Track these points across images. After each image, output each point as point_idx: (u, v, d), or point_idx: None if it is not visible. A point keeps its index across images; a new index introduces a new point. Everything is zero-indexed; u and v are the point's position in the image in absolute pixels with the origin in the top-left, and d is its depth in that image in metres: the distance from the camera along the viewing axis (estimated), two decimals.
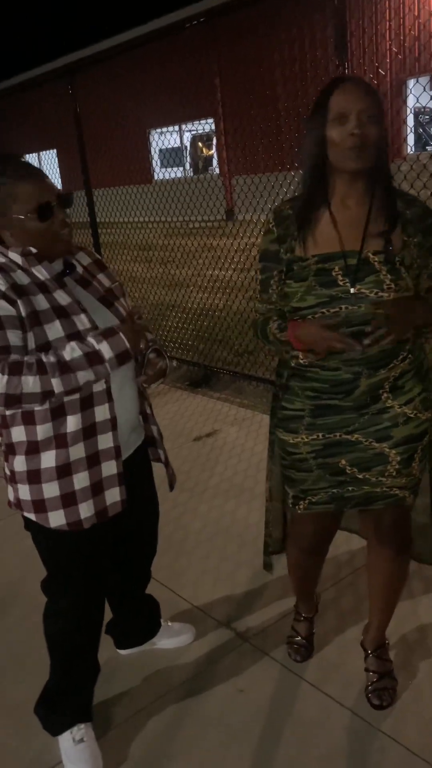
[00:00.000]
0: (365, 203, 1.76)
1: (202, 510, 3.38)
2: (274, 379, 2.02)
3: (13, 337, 1.64)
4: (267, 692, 2.21)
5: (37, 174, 1.74)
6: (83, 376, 1.66)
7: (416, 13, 10.91)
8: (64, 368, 1.63)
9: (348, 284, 1.72)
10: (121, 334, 1.72)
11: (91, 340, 1.69)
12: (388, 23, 11.62)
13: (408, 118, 12.42)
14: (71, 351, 1.66)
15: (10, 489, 1.86)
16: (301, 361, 1.80)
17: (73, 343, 1.67)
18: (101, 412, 1.78)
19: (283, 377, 1.93)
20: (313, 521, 2.05)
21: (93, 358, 1.67)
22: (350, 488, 1.92)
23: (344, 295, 1.72)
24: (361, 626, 2.35)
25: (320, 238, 1.77)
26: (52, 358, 1.63)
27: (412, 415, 1.85)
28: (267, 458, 2.15)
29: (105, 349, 1.69)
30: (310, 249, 1.77)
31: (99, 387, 1.76)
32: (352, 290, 1.71)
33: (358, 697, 2.15)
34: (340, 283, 1.73)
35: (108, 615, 2.32)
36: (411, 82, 12.47)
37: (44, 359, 1.62)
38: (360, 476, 1.90)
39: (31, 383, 1.60)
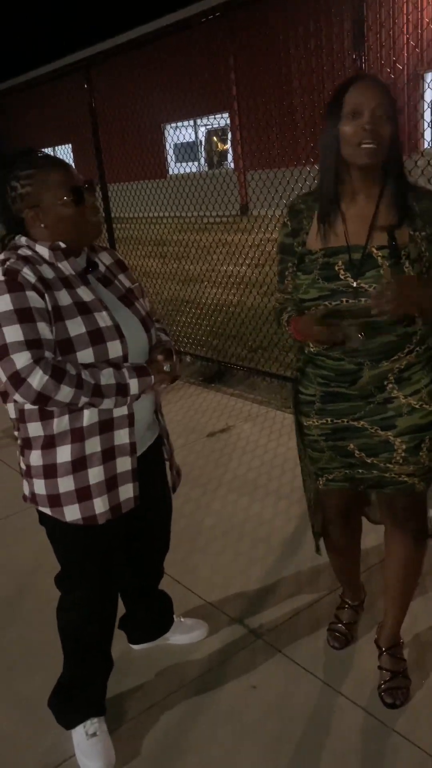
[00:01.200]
0: (374, 198, 1.79)
1: (216, 506, 3.38)
2: (287, 375, 2.04)
3: (44, 330, 1.66)
4: (279, 689, 2.21)
5: (63, 162, 1.77)
6: (107, 402, 1.73)
7: None
8: (96, 391, 1.69)
9: (350, 278, 1.76)
10: (152, 376, 1.79)
11: (125, 372, 1.74)
12: (405, 17, 11.52)
13: (425, 112, 12.33)
14: (107, 377, 1.71)
15: (25, 483, 1.86)
16: (311, 350, 1.89)
17: (111, 370, 1.72)
18: (119, 408, 1.79)
19: (301, 363, 2.00)
20: (335, 495, 2.11)
21: (121, 390, 1.73)
22: (360, 471, 1.98)
23: (345, 288, 1.77)
24: (375, 625, 2.34)
25: (328, 233, 1.82)
26: (90, 380, 1.68)
27: (417, 406, 1.88)
28: (296, 440, 2.15)
29: (133, 386, 1.75)
30: (319, 243, 1.83)
31: None
32: (353, 284, 1.75)
33: (371, 695, 2.14)
34: (342, 277, 1.77)
35: (121, 610, 2.33)
36: (429, 76, 12.37)
37: (83, 377, 1.67)
38: (368, 461, 1.95)
39: (65, 393, 1.65)
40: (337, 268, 1.78)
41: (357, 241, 1.78)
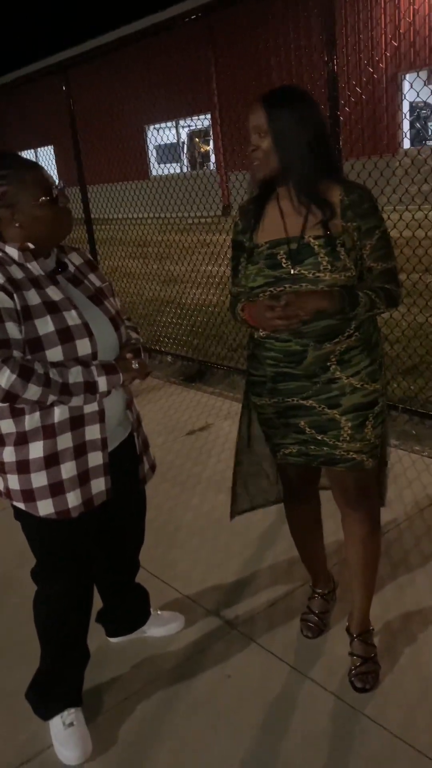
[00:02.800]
0: (302, 193, 1.94)
1: (194, 502, 3.43)
2: None
3: (12, 329, 1.70)
4: (254, 677, 2.27)
5: (36, 164, 1.83)
6: (75, 400, 1.78)
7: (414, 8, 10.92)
8: (64, 390, 1.74)
9: (290, 266, 1.92)
10: (121, 374, 1.85)
11: (93, 370, 1.78)
12: (384, 20, 11.64)
13: (404, 113, 12.45)
14: (75, 375, 1.75)
15: (0, 479, 1.91)
16: (261, 334, 2.03)
17: (79, 368, 1.76)
18: (90, 405, 1.84)
19: (250, 348, 2.14)
20: (292, 469, 2.25)
21: (89, 387, 1.78)
22: (312, 447, 2.10)
23: (286, 275, 1.93)
24: (347, 614, 2.40)
25: (270, 227, 2.00)
26: (58, 378, 1.73)
27: (358, 386, 2.01)
28: (239, 421, 2.30)
29: (102, 383, 1.80)
30: (263, 237, 2.00)
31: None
32: (292, 271, 1.91)
33: (341, 682, 2.20)
34: (284, 265, 1.94)
35: (99, 604, 2.38)
36: (409, 77, 12.50)
37: (51, 375, 1.72)
38: (319, 437, 2.07)
39: (33, 392, 1.70)
40: (279, 257, 1.94)
41: (294, 233, 1.94)
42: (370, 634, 2.28)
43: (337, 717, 2.09)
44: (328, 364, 1.98)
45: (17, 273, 1.76)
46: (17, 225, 1.79)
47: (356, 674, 2.19)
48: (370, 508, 2.19)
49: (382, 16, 11.58)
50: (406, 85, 12.79)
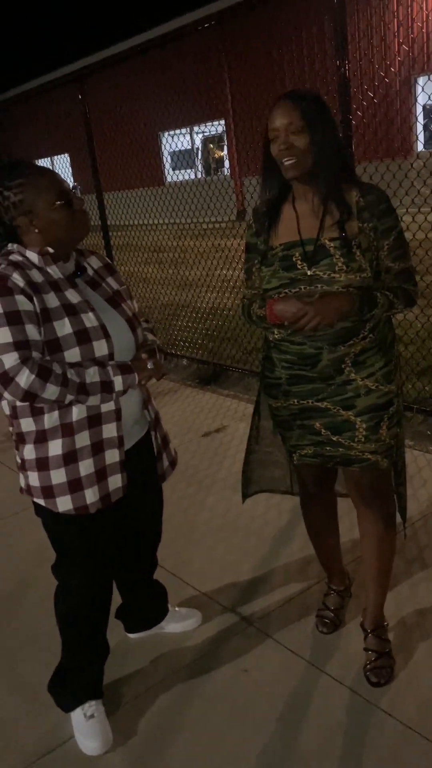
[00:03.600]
0: (321, 197, 1.95)
1: (210, 502, 3.48)
2: None
3: (32, 331, 1.76)
4: (270, 672, 2.31)
5: (49, 169, 1.89)
6: (92, 399, 1.83)
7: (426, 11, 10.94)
8: (81, 389, 1.79)
9: (305, 267, 1.94)
10: (135, 373, 1.89)
11: (109, 370, 1.83)
12: (396, 23, 11.67)
13: (416, 116, 12.46)
14: (92, 375, 1.81)
15: (21, 476, 1.97)
16: (276, 336, 2.05)
17: (96, 368, 1.82)
18: (107, 404, 1.89)
19: (265, 350, 2.17)
20: (309, 468, 2.27)
21: (105, 387, 1.84)
22: (328, 448, 2.12)
23: (302, 277, 1.95)
24: (361, 611, 2.43)
25: (285, 230, 2.02)
26: (76, 378, 1.78)
27: (373, 387, 2.03)
28: (252, 415, 2.37)
29: (117, 383, 1.86)
30: (278, 239, 2.02)
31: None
32: (308, 273, 1.93)
33: (357, 676, 2.24)
34: (299, 266, 1.96)
35: (118, 600, 2.43)
36: (421, 80, 12.49)
37: (69, 376, 1.77)
38: (334, 439, 2.09)
39: (51, 391, 1.75)
40: (294, 259, 1.97)
41: (309, 235, 1.96)
42: (384, 629, 2.31)
43: (352, 710, 2.12)
44: (343, 366, 2.00)
45: (37, 276, 1.82)
46: (36, 230, 1.85)
47: (371, 669, 2.22)
48: (386, 507, 2.21)
49: (394, 20, 11.61)
50: (418, 88, 12.80)
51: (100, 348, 1.86)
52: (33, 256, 1.85)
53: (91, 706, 2.13)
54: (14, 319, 1.74)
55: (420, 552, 2.84)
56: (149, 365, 1.94)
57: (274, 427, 2.27)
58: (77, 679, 2.15)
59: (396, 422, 2.12)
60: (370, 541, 2.23)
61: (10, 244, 1.87)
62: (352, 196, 1.95)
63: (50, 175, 1.86)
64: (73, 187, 2.03)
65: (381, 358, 2.03)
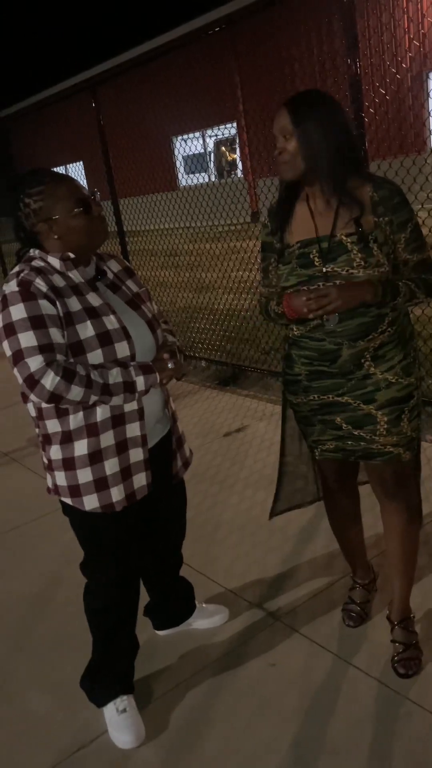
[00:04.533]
0: (332, 195, 1.97)
1: (233, 501, 3.51)
2: None
3: (56, 335, 1.81)
4: (297, 666, 2.33)
5: (68, 177, 1.94)
6: (115, 400, 1.88)
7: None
8: (105, 390, 1.84)
9: (323, 264, 1.98)
10: (157, 373, 1.93)
11: (131, 370, 1.88)
12: (407, 20, 11.64)
13: (429, 111, 12.39)
14: (115, 376, 1.85)
15: (48, 476, 2.02)
16: (295, 333, 2.09)
17: (118, 369, 1.86)
18: (130, 403, 1.93)
19: (286, 348, 2.19)
20: (331, 463, 2.30)
21: (128, 387, 1.88)
22: (349, 442, 2.14)
23: (320, 274, 1.98)
24: (387, 604, 2.45)
25: (301, 228, 2.04)
26: (99, 379, 1.82)
27: (393, 381, 2.05)
28: (281, 421, 2.38)
29: (140, 383, 1.90)
30: (294, 237, 2.05)
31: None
32: (325, 269, 1.96)
33: (384, 668, 2.25)
34: (317, 263, 1.98)
35: (146, 598, 2.47)
36: None
37: (92, 377, 1.81)
38: (355, 433, 2.11)
39: (75, 393, 1.79)
40: (311, 256, 1.99)
41: (325, 232, 1.99)
42: (411, 621, 2.32)
43: (381, 701, 2.14)
44: (362, 360, 2.02)
45: (59, 281, 1.87)
46: (56, 237, 1.89)
47: (399, 660, 2.23)
48: (409, 499, 2.23)
49: (405, 16, 11.58)
50: (431, 83, 12.75)
51: (122, 349, 1.90)
52: (54, 261, 1.90)
53: (123, 701, 2.17)
54: (38, 323, 1.79)
55: None
56: (170, 365, 1.98)
57: (297, 425, 2.29)
58: (108, 674, 2.19)
59: (417, 414, 2.14)
60: (394, 533, 2.25)
61: (32, 250, 1.92)
62: (365, 191, 1.97)
63: (69, 182, 1.90)
64: (92, 193, 2.04)
65: (400, 351, 2.05)
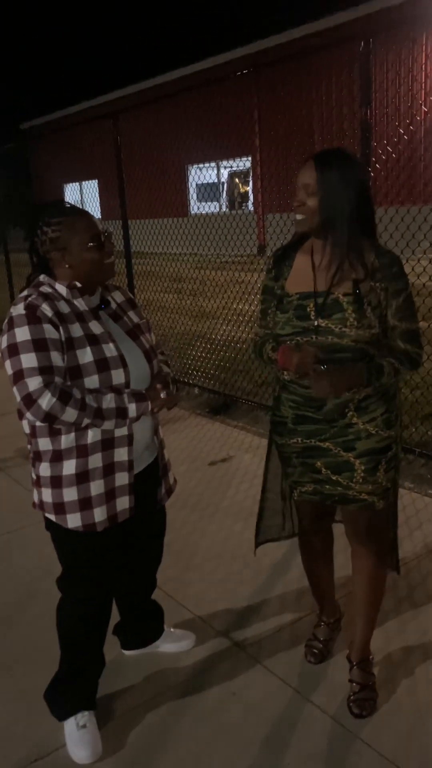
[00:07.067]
0: (338, 253, 2.06)
1: (212, 530, 3.58)
2: None
3: (56, 358, 1.91)
4: (257, 697, 2.40)
5: (87, 212, 2.05)
6: (107, 424, 1.97)
7: None
8: (98, 414, 1.93)
9: (318, 319, 2.07)
10: (149, 402, 2.02)
11: (125, 397, 1.97)
12: (424, 75, 11.98)
13: None
14: (108, 401, 1.95)
15: (35, 492, 2.10)
16: (286, 377, 2.18)
17: (112, 395, 1.96)
18: (120, 429, 2.03)
19: (277, 390, 2.28)
20: (308, 505, 2.38)
21: (120, 413, 1.97)
22: (327, 486, 2.23)
23: (314, 327, 2.06)
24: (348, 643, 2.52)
25: (301, 279, 2.14)
26: (93, 403, 1.92)
27: (374, 432, 2.14)
28: (266, 456, 2.48)
29: (132, 410, 1.99)
30: (294, 287, 2.14)
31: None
32: (319, 324, 2.06)
33: (340, 706, 2.32)
34: (312, 317, 2.07)
35: (117, 617, 2.54)
36: None
37: (87, 401, 1.91)
38: (334, 478, 2.20)
39: (69, 414, 1.89)
40: (308, 309, 2.08)
41: (323, 287, 2.08)
42: (369, 662, 2.40)
43: (334, 739, 2.20)
44: (346, 410, 2.12)
45: (64, 308, 1.98)
46: (67, 266, 2.01)
47: (354, 700, 2.30)
48: (378, 545, 2.32)
49: (421, 71, 11.93)
50: None
51: (118, 376, 2.00)
52: (62, 288, 2.01)
53: (84, 716, 2.23)
54: (41, 345, 1.89)
55: (410, 591, 2.93)
56: (162, 395, 2.07)
57: (280, 465, 2.38)
58: (72, 689, 2.26)
59: (393, 466, 2.23)
60: (361, 576, 2.34)
61: (42, 276, 2.03)
62: (369, 256, 2.06)
63: (87, 218, 2.01)
64: (107, 231, 2.15)
65: (383, 405, 2.15)
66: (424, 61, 11.86)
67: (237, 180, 19.68)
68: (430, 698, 2.33)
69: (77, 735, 2.20)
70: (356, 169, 2.04)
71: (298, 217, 2.06)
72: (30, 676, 2.56)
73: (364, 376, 2.02)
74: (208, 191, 18.14)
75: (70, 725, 2.23)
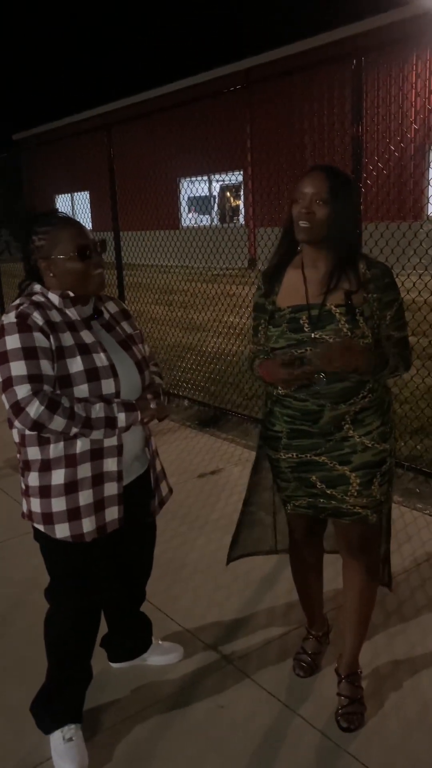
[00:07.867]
0: (330, 265, 2.10)
1: (201, 542, 3.58)
2: None
3: (46, 366, 1.91)
4: (245, 710, 2.39)
5: (77, 223, 2.05)
6: (95, 434, 1.97)
7: None
8: (86, 423, 1.93)
9: (311, 330, 2.10)
10: (138, 412, 2.02)
11: (114, 407, 1.97)
12: (414, 93, 12.14)
13: (429, 180, 12.82)
14: (98, 411, 1.95)
15: (24, 501, 2.09)
16: (279, 392, 2.18)
17: (102, 404, 1.96)
18: (110, 439, 2.03)
19: (269, 405, 2.28)
20: (301, 519, 2.38)
21: (109, 423, 1.97)
22: (321, 500, 2.23)
23: (308, 339, 2.09)
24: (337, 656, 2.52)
25: (293, 293, 2.16)
26: (82, 412, 1.92)
27: (369, 445, 2.16)
28: (251, 470, 2.49)
29: (121, 419, 1.99)
30: (286, 301, 2.17)
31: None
32: (313, 335, 2.07)
33: (328, 720, 2.32)
34: (306, 329, 2.10)
35: (104, 629, 2.52)
36: None
37: (76, 410, 1.91)
38: (328, 492, 2.20)
39: (57, 423, 1.89)
40: (301, 321, 2.11)
41: (316, 300, 2.11)
42: (357, 676, 2.40)
43: (322, 753, 2.20)
44: (343, 423, 2.13)
45: (56, 317, 1.98)
46: (51, 275, 2.02)
47: (342, 714, 2.30)
48: (370, 559, 2.32)
49: (412, 90, 12.09)
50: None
51: (108, 386, 2.00)
52: (54, 297, 2.01)
53: (70, 730, 2.21)
54: (31, 354, 1.89)
55: (400, 605, 2.93)
56: (152, 405, 2.08)
57: (273, 479, 2.39)
58: (59, 701, 2.24)
59: (387, 480, 2.24)
60: (352, 590, 2.34)
61: (36, 285, 2.04)
62: (360, 268, 2.10)
63: (75, 229, 2.01)
64: (102, 242, 2.13)
65: (378, 418, 2.17)
66: (414, 80, 12.03)
67: (228, 193, 19.78)
68: (418, 712, 2.33)
69: (63, 748, 2.18)
70: (352, 186, 2.13)
71: (302, 224, 2.06)
72: (16, 689, 2.53)
73: (371, 361, 2.02)
74: (200, 204, 18.22)
75: (57, 738, 2.21)
